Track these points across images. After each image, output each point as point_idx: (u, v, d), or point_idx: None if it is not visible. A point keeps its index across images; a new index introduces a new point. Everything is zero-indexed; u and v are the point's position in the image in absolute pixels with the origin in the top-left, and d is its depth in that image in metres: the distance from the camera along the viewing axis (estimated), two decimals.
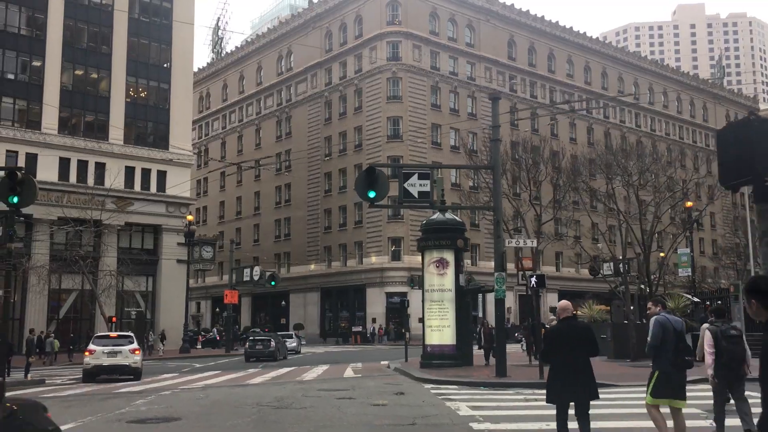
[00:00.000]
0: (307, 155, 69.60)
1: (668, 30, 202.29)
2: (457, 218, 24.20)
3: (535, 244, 21.42)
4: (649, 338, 9.02)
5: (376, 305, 60.50)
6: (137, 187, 46.82)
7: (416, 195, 17.12)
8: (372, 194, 16.60)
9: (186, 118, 49.72)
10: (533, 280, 20.25)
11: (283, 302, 68.60)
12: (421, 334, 54.53)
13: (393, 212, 61.51)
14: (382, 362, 30.66)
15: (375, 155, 62.46)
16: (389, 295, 60.51)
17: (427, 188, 17.21)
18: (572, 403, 8.49)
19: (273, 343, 33.21)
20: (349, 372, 24.45)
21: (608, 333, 27.36)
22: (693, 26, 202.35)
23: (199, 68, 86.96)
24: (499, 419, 12.04)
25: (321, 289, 66.50)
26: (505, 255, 20.63)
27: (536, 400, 13.55)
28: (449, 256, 21.97)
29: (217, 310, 79.47)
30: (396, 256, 61.23)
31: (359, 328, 59.01)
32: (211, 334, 51.59)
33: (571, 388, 8.31)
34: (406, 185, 17.11)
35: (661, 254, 38.99)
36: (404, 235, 61.12)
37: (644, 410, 9.34)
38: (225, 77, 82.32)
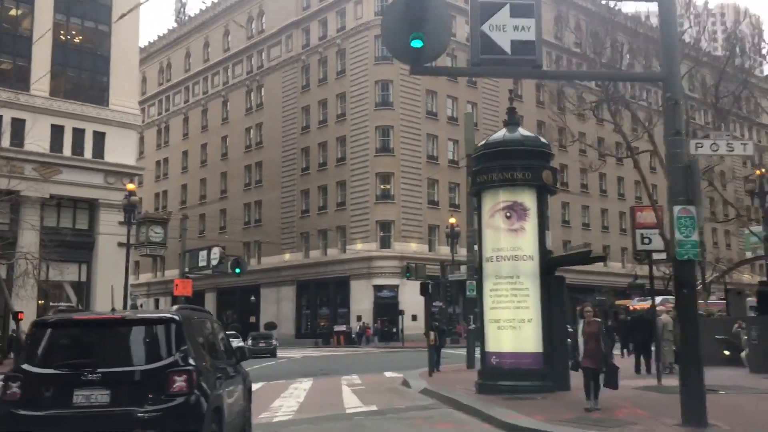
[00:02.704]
0: (281, 129, 60.47)
1: None
2: (540, 137, 15.07)
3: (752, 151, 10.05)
4: None
5: (361, 300, 51.61)
6: (67, 150, 37.36)
7: (507, 48, 8.28)
8: (418, 43, 7.91)
9: (131, 70, 40.25)
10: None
11: (252, 297, 59.30)
12: (414, 334, 45.46)
13: (382, 192, 52.67)
14: (387, 374, 21.83)
15: (361, 126, 53.59)
16: (378, 288, 51.67)
17: (530, 35, 8.36)
18: None
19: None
20: (348, 395, 15.55)
21: (740, 332, 18.25)
22: None
23: (159, 36, 77.32)
24: None
25: (297, 282, 57.41)
26: None
27: None
28: (529, 199, 13.00)
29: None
30: (385, 243, 52.38)
31: (342, 328, 50.04)
32: None
33: None
34: (486, 28, 8.30)
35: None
36: (395, 218, 52.27)
37: None
38: (188, 44, 72.72)
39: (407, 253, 50.94)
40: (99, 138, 38.24)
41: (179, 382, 6.35)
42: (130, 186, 32.84)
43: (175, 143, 73.31)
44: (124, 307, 33.49)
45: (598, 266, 65.97)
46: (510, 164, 12.82)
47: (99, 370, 6.30)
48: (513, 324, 12.61)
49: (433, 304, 51.09)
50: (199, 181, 68.85)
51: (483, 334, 12.95)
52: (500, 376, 12.69)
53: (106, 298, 35.76)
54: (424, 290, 18.29)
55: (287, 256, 58.38)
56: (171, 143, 73.95)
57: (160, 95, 76.29)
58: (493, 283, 13.09)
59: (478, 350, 14.52)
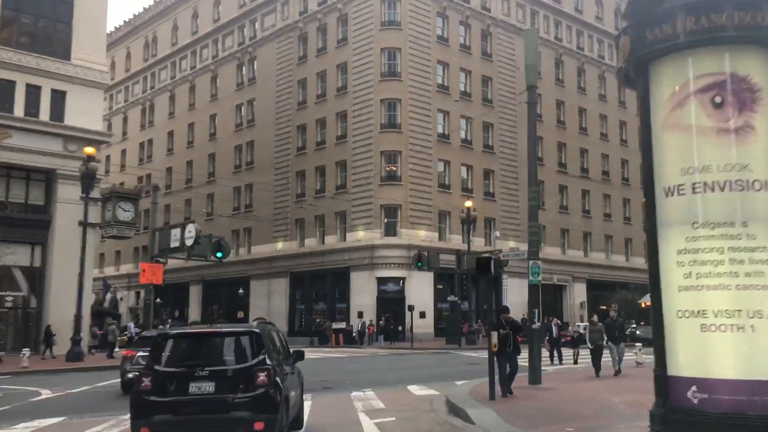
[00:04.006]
0: (274, 105, 54.62)
1: None
2: None
3: None
4: None
5: (363, 294, 45.82)
6: (19, 111, 31.48)
7: None
8: None
9: (98, 21, 34.27)
10: None
11: (241, 290, 53.43)
12: (423, 333, 39.71)
13: (387, 174, 46.98)
14: (414, 389, 16.08)
15: (364, 99, 47.80)
16: (381, 281, 45.91)
17: None
18: None
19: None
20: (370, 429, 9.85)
21: None
22: None
23: (144, 8, 71.30)
24: None
25: (290, 274, 51.60)
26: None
27: None
28: (760, 71, 6.66)
29: (158, 300, 64.01)
30: (390, 230, 46.62)
31: (342, 325, 44.19)
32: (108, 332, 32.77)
33: None
34: None
35: None
36: (402, 202, 46.50)
37: None
38: (175, 16, 66.71)
39: (415, 242, 45.19)
40: (58, 97, 32.34)
41: (262, 377, 8.34)
42: (89, 150, 27.00)
43: (160, 123, 67.39)
44: (80, 299, 27.73)
45: (619, 260, 60.46)
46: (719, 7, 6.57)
47: (206, 368, 8.40)
48: (737, 320, 6.42)
49: (447, 299, 45.73)
50: (185, 164, 62.96)
51: (661, 339, 6.67)
52: (710, 428, 6.44)
53: (64, 287, 30.08)
54: (482, 267, 12.15)
55: (280, 245, 52.58)
56: (156, 123, 68.04)
57: (145, 72, 70.34)
58: (688, 238, 6.86)
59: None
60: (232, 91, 59.05)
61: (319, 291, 50.64)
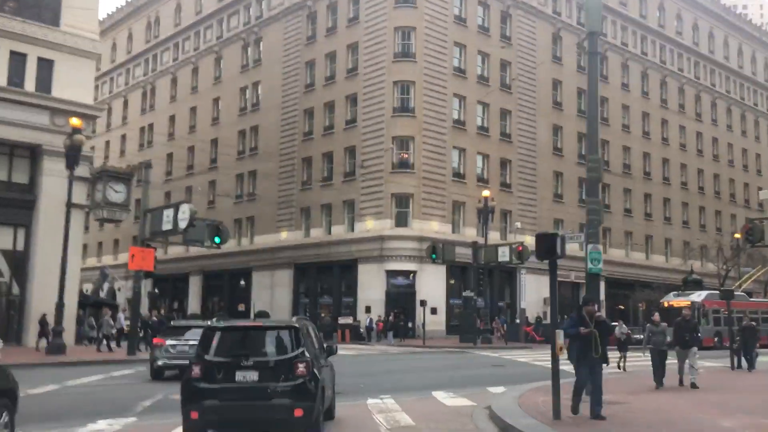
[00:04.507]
0: (281, 88, 51.92)
1: None
2: None
3: None
4: None
5: (372, 288, 43.14)
6: (2, 80, 28.83)
7: None
8: None
9: None
10: None
11: (243, 282, 50.82)
12: (434, 331, 37.05)
13: (399, 161, 44.35)
14: (441, 396, 13.39)
15: (376, 81, 45.10)
16: (391, 274, 43.24)
17: None
18: None
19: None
20: None
21: None
22: None
23: None
24: None
25: (295, 266, 48.97)
26: None
27: None
28: None
29: (155, 291, 61.49)
30: (402, 221, 43.95)
31: (349, 320, 41.53)
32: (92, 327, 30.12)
33: None
34: None
35: None
36: (414, 191, 43.84)
37: None
38: None
39: (428, 234, 42.49)
40: (45, 67, 29.66)
41: (301, 368, 8.90)
42: (74, 121, 24.33)
43: (161, 107, 64.72)
44: (63, 287, 25.11)
45: (639, 258, 57.68)
46: None
47: (251, 359, 8.98)
48: None
49: (463, 294, 43.09)
50: (186, 150, 60.26)
51: None
52: None
53: (49, 273, 27.48)
54: (546, 246, 9.25)
55: (284, 235, 49.93)
56: (157, 107, 65.37)
57: (147, 54, 67.66)
58: None
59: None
60: (237, 74, 56.35)
61: (324, 284, 48.02)
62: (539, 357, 27.44)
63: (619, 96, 57.79)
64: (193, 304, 57.43)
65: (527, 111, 50.01)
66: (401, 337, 39.25)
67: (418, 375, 18.53)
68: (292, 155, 50.42)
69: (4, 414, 8.05)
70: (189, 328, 18.26)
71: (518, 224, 45.74)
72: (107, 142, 68.52)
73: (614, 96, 57.15)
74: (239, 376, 8.78)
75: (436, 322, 41.17)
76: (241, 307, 49.53)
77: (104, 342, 27.77)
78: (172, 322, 20.26)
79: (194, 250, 58.09)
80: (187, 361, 16.64)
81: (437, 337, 40.13)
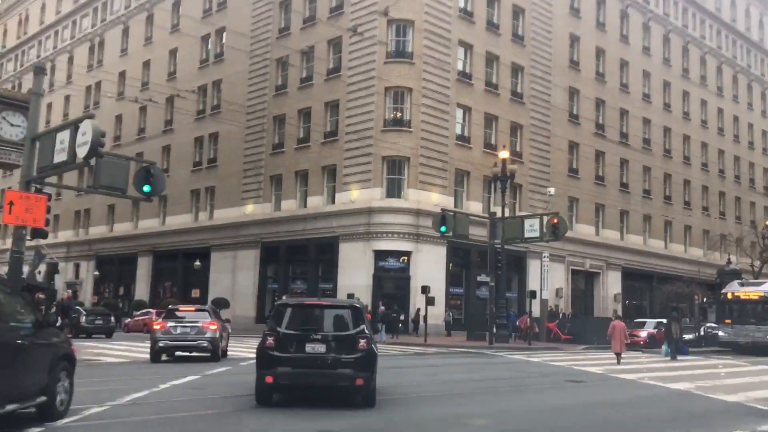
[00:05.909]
0: (249, 34, 43.55)
1: None
2: None
3: None
4: None
5: (355, 272, 35.08)
6: None
7: None
8: None
9: None
10: None
11: (197, 263, 42.48)
12: (432, 325, 30.16)
13: (393, 118, 36.51)
14: None
15: (365, 21, 36.94)
16: (379, 255, 35.29)
17: None
18: None
19: None
20: None
21: None
22: None
23: None
24: None
25: (262, 245, 40.78)
26: None
27: None
28: None
29: (96, 273, 52.79)
30: (393, 190, 36.10)
31: None
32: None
33: None
34: None
35: None
36: (410, 154, 35.97)
37: None
38: None
39: (425, 206, 34.65)
40: None
41: (362, 343, 10.29)
42: None
43: (110, 62, 55.90)
44: None
45: (657, 246, 50.50)
46: None
47: (319, 333, 10.34)
48: None
49: (478, 279, 35.38)
50: (138, 110, 51.34)
51: None
52: None
53: None
54: None
55: (250, 208, 41.68)
56: (105, 62, 56.53)
57: (96, 1, 58.78)
58: None
59: None
60: (198, 20, 47.69)
61: (297, 267, 39.90)
62: (590, 361, 20.60)
63: (640, 60, 50.46)
64: (141, 290, 48.88)
65: (541, 68, 42.44)
66: (394, 333, 31.31)
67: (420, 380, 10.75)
68: (262, 113, 42.14)
69: (64, 375, 8.68)
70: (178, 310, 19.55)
71: (551, 190, 38.26)
72: (49, 105, 59.49)
73: (634, 59, 49.82)
74: (309, 347, 10.15)
75: (434, 315, 33.29)
76: (195, 293, 41.27)
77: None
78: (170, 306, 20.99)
79: (144, 226, 49.57)
80: (189, 343, 18.48)
81: (435, 333, 32.33)
